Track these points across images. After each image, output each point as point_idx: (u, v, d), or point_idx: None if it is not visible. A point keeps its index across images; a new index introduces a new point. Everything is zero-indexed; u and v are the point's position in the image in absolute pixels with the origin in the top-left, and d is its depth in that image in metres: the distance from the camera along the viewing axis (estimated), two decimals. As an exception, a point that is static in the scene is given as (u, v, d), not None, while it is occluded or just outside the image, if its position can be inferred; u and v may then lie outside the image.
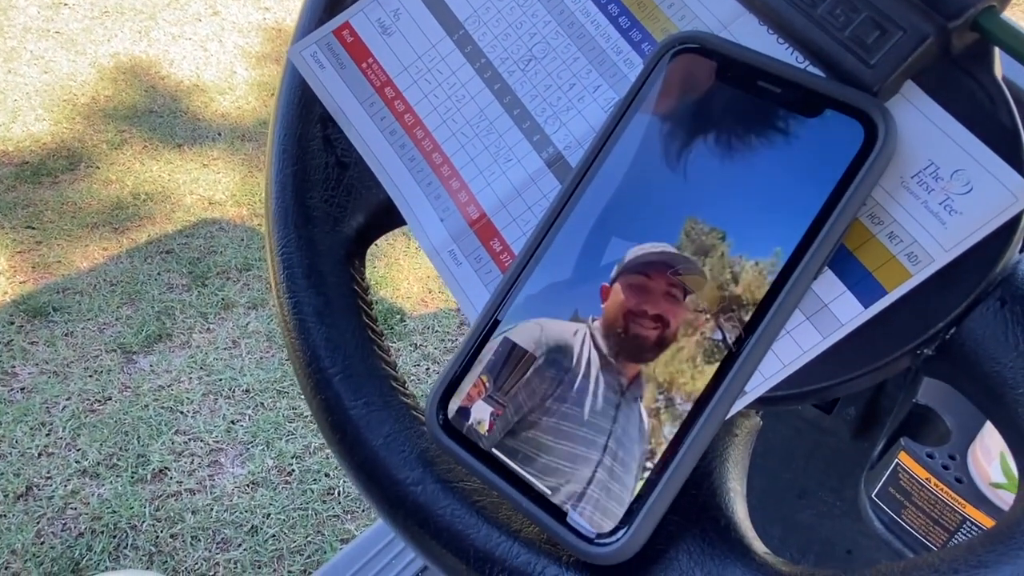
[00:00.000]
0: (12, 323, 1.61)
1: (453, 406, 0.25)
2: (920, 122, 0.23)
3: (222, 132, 2.22)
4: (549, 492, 0.23)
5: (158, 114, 2.25)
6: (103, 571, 1.19)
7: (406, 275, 1.78)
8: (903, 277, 0.22)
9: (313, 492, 1.33)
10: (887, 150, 0.22)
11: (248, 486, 1.34)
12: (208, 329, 1.62)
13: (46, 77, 2.37)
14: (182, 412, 1.45)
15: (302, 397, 1.51)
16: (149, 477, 1.35)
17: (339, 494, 1.34)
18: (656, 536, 0.22)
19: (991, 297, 0.22)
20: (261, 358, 1.57)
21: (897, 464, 0.48)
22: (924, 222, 0.22)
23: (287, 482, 1.35)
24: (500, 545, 0.24)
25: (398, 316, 1.68)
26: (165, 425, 1.43)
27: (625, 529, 0.22)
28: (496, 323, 0.25)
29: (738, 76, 0.24)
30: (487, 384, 0.25)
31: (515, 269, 0.26)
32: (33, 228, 1.83)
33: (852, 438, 0.53)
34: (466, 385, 0.25)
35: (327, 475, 1.36)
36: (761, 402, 0.24)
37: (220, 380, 1.52)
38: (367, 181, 0.30)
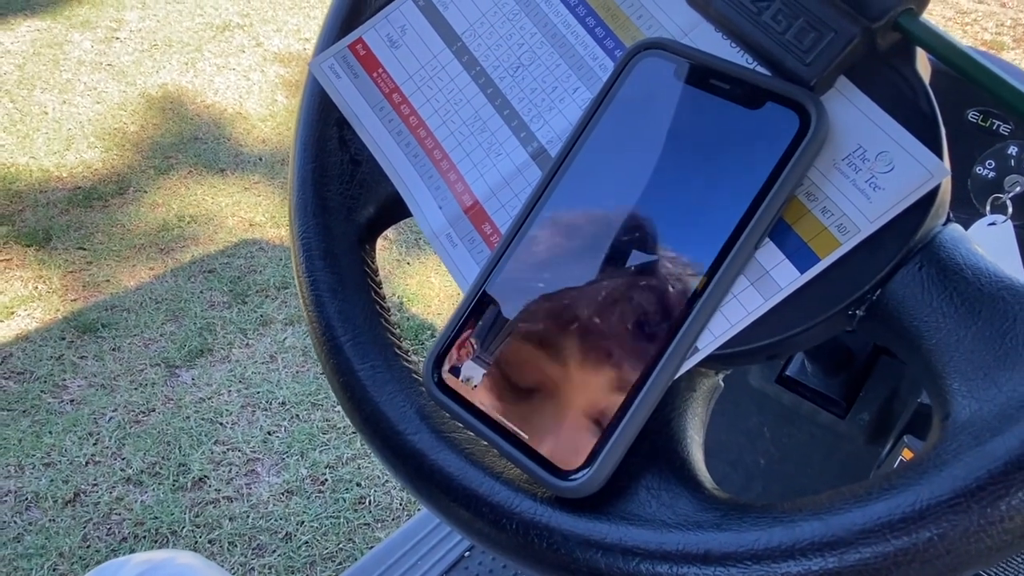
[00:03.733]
0: (63, 339, 1.69)
1: (446, 366, 0.29)
2: (850, 111, 0.26)
3: (263, 157, 2.31)
4: (527, 437, 0.27)
5: (203, 141, 2.36)
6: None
7: (437, 292, 1.83)
8: (834, 246, 0.25)
9: (345, 501, 1.37)
10: (819, 136, 0.25)
11: (283, 495, 1.39)
12: (247, 344, 1.68)
13: (98, 107, 2.50)
14: (221, 423, 1.51)
15: (336, 409, 1.56)
16: (189, 485, 1.41)
17: (370, 503, 1.38)
18: (619, 473, 0.25)
19: (911, 262, 0.24)
20: (297, 372, 1.62)
21: (901, 461, 0.50)
22: (852, 198, 0.25)
23: (320, 491, 1.39)
24: (484, 484, 0.27)
25: (429, 332, 1.72)
26: (205, 436, 1.49)
27: (589, 467, 0.25)
28: (484, 294, 0.29)
29: (694, 75, 0.28)
30: (475, 346, 0.28)
31: (500, 247, 0.29)
32: (84, 249, 1.93)
33: (866, 443, 0.54)
34: (457, 348, 0.29)
35: (358, 485, 1.40)
36: (716, 360, 0.27)
37: (258, 393, 1.57)
38: (377, 177, 0.34)
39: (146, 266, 1.88)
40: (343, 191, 0.34)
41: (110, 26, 3.03)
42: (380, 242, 2.03)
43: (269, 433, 1.49)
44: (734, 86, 0.27)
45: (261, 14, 3.20)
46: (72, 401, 1.57)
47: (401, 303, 1.79)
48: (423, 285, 1.85)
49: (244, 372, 1.61)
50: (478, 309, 0.29)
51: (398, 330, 0.32)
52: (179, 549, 0.58)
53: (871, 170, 0.25)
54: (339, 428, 1.49)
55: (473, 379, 0.28)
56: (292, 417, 1.52)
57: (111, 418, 1.53)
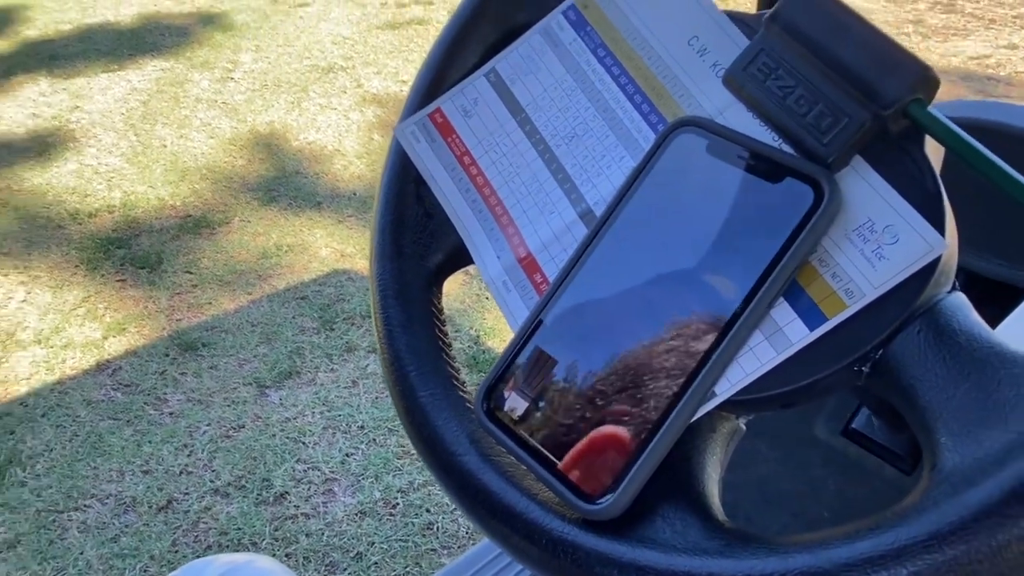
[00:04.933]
0: (167, 355, 1.83)
1: (494, 398, 0.33)
2: (862, 186, 0.29)
3: (357, 192, 2.44)
4: (559, 464, 0.30)
5: (303, 175, 2.51)
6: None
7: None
8: (841, 308, 0.28)
9: (414, 526, 1.42)
10: (830, 210, 0.28)
11: (357, 515, 1.45)
12: (332, 369, 1.77)
13: (211, 142, 2.71)
14: (304, 443, 1.60)
15: (410, 436, 1.62)
16: (271, 500, 1.49)
17: (438, 530, 1.42)
18: (639, 500, 0.29)
19: (912, 326, 0.27)
20: (377, 398, 1.69)
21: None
22: (859, 265, 0.28)
23: (391, 514, 1.45)
24: (520, 503, 0.31)
25: (503, 366, 1.77)
26: (288, 454, 1.57)
27: (612, 494, 0.28)
28: (530, 336, 0.33)
29: (724, 150, 0.31)
30: (520, 381, 0.32)
31: (546, 296, 0.33)
32: (191, 273, 2.08)
33: None
34: (505, 381, 0.33)
35: (428, 511, 1.44)
36: (734, 405, 0.30)
37: (339, 416, 1.65)
38: (446, 228, 0.38)
39: (245, 291, 2.02)
40: (416, 239, 0.39)
41: (226, 67, 3.28)
42: (461, 278, 2.10)
43: (347, 455, 1.56)
44: (759, 161, 0.30)
45: (363, 57, 3.39)
46: (171, 414, 1.69)
47: (478, 336, 1.85)
48: (499, 320, 1.90)
49: (328, 395, 1.70)
50: (524, 349, 0.33)
51: (468, 345, 0.37)
52: (254, 553, 0.64)
53: (878, 241, 0.28)
54: (413, 455, 1.55)
55: (516, 410, 0.32)
56: (369, 441, 1.59)
57: (205, 432, 1.64)
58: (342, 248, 2.17)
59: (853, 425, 0.56)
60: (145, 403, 1.70)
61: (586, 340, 0.32)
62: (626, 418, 0.29)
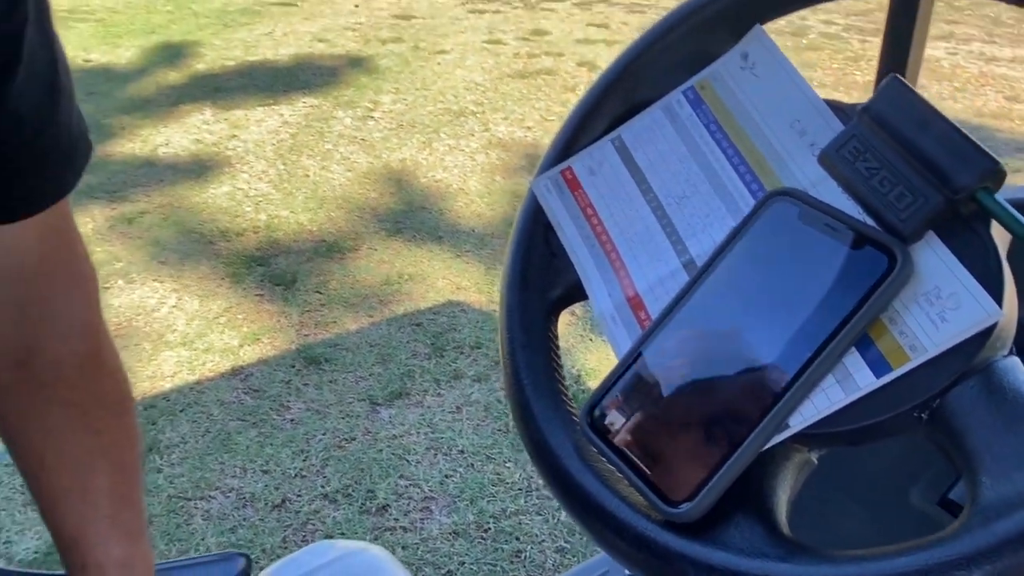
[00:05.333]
0: (293, 367, 1.99)
1: (597, 413, 0.39)
2: (932, 258, 0.33)
3: (475, 229, 2.56)
4: (649, 472, 0.36)
5: (428, 211, 2.67)
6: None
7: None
8: (905, 360, 0.32)
9: (503, 551, 1.47)
10: (901, 277, 0.33)
11: (450, 535, 1.52)
12: (439, 394, 1.87)
13: (349, 174, 2.93)
14: (407, 460, 1.69)
15: (506, 465, 1.67)
16: (373, 510, 1.58)
17: (525, 558, 1.46)
18: (715, 509, 0.34)
19: (967, 381, 0.31)
20: (478, 425, 1.77)
21: None
22: (924, 325, 0.32)
23: (483, 538, 1.51)
24: (613, 504, 0.36)
25: (602, 409, 1.81)
26: (392, 469, 1.67)
27: (691, 501, 0.34)
28: (631, 364, 0.39)
29: (814, 219, 0.36)
30: (620, 400, 0.38)
31: (648, 331, 0.39)
32: (320, 293, 2.26)
33: None
34: (607, 400, 0.39)
35: (517, 539, 1.49)
36: (805, 438, 0.34)
37: (442, 439, 1.74)
38: (567, 267, 0.45)
39: (366, 313, 2.16)
40: (540, 275, 0.45)
41: (367, 106, 3.54)
42: (568, 318, 2.15)
43: (446, 476, 1.64)
44: (843, 230, 0.35)
45: (493, 103, 3.57)
46: (292, 420, 1.83)
47: (579, 376, 1.90)
48: (601, 362, 1.95)
49: (433, 418, 1.79)
50: (626, 374, 0.39)
51: (568, 382, 0.43)
52: (366, 542, 0.72)
53: (942, 306, 0.32)
54: (508, 483, 1.61)
55: (615, 424, 0.38)
56: (468, 465, 1.67)
57: (320, 440, 1.76)
58: (458, 281, 2.29)
59: (950, 495, 0.57)
60: (270, 408, 1.86)
61: (680, 370, 0.37)
62: (709, 439, 0.35)
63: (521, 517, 1.53)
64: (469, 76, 3.94)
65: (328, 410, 1.84)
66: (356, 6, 5.42)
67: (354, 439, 1.76)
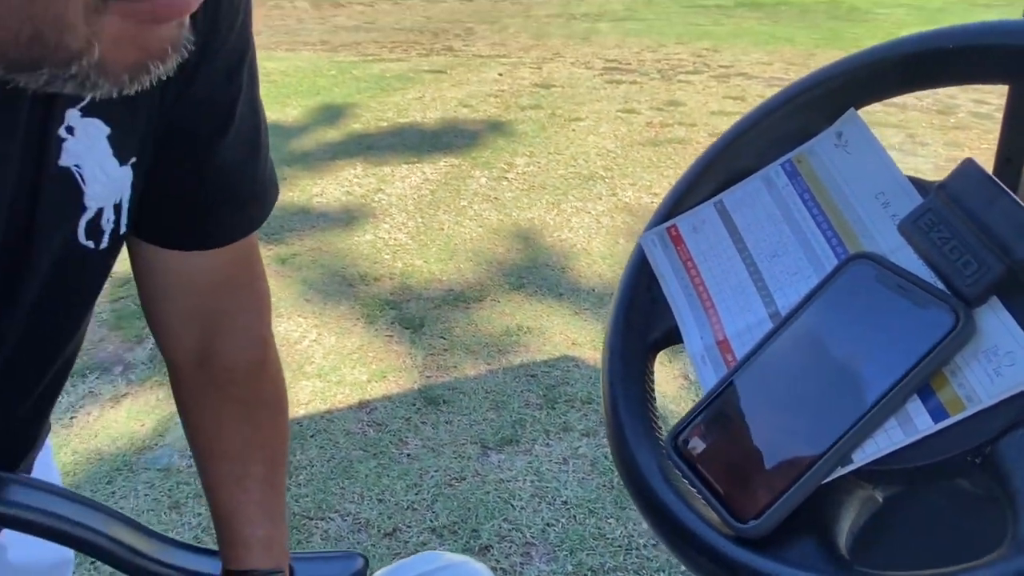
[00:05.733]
0: (414, 405, 2.10)
1: (681, 438, 0.44)
2: (993, 320, 0.37)
3: (595, 289, 2.63)
4: (723, 492, 0.40)
5: (551, 268, 2.77)
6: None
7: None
8: (961, 408, 0.36)
9: (599, 606, 1.48)
10: (963, 336, 0.37)
11: (548, 583, 1.55)
12: (547, 444, 1.92)
13: (480, 230, 3.09)
14: (512, 505, 1.74)
15: (608, 521, 1.69)
16: (476, 549, 1.64)
17: (621, 616, 1.47)
18: (780, 528, 0.38)
19: (1018, 430, 0.34)
20: (583, 478, 1.80)
21: None
22: (981, 379, 0.36)
23: (580, 590, 1.52)
24: (690, 518, 0.41)
25: (711, 476, 1.79)
26: (498, 512, 1.73)
27: (759, 519, 0.38)
28: (714, 399, 0.44)
29: (889, 280, 0.41)
30: (702, 429, 0.43)
31: (733, 370, 0.44)
32: (444, 339, 2.39)
33: None
34: (691, 427, 0.44)
35: (614, 595, 1.50)
36: (867, 475, 0.38)
37: (547, 488, 1.78)
38: (665, 312, 0.51)
39: (485, 361, 2.26)
40: (642, 319, 0.52)
41: (503, 168, 3.73)
42: (661, 367, 2.15)
43: (548, 524, 1.68)
44: (915, 291, 0.40)
45: (622, 169, 3.67)
46: (408, 455, 1.94)
47: (666, 419, 1.89)
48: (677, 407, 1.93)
49: (540, 466, 1.84)
50: (709, 407, 0.44)
51: (659, 413, 0.49)
52: (468, 557, 0.78)
53: (999, 362, 0.36)
54: (608, 538, 1.62)
55: (697, 448, 0.43)
56: (570, 517, 1.70)
57: (432, 476, 1.85)
58: (574, 337, 2.36)
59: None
60: (390, 442, 1.97)
61: (757, 405, 0.42)
62: (779, 466, 0.39)
63: (619, 574, 1.54)
64: (601, 143, 4.07)
65: (442, 449, 1.94)
66: (500, 75, 5.75)
67: (464, 479, 1.84)
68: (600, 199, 3.37)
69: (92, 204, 0.42)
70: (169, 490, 1.83)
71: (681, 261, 0.52)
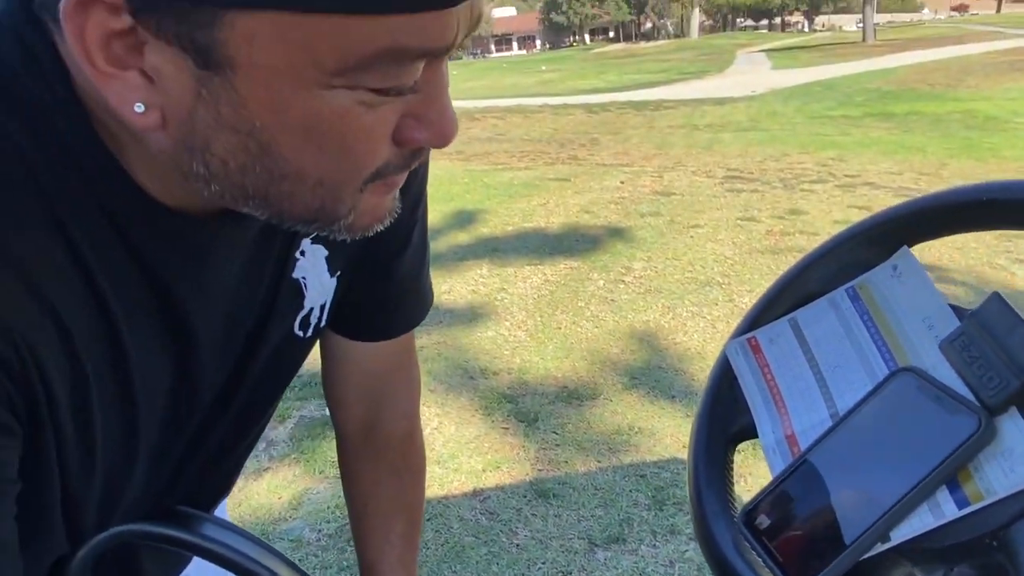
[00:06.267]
0: (525, 496, 2.19)
1: (752, 515, 0.53)
2: (1011, 426, 0.45)
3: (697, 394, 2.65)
4: (783, 561, 0.49)
5: (664, 370, 2.82)
6: None
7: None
8: (981, 498, 0.43)
9: None
10: (984, 438, 0.45)
11: None
12: (654, 545, 1.94)
13: (596, 331, 3.20)
14: (617, 603, 1.76)
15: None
16: (580, 644, 1.67)
17: None
18: (825, 592, 0.46)
19: (1026, 519, 0.41)
20: (689, 583, 1.80)
21: None
22: (998, 475, 0.43)
23: None
24: (754, 580, 0.50)
25: None
26: (602, 609, 1.75)
27: (811, 584, 0.46)
28: (780, 483, 0.53)
29: (928, 390, 0.49)
30: (769, 508, 0.52)
31: (798, 459, 0.53)
32: (556, 434, 2.47)
33: None
34: (761, 506, 0.53)
35: None
36: (902, 553, 0.46)
37: (652, 589, 1.79)
38: (743, 409, 0.60)
39: (595, 458, 2.32)
40: (724, 414, 0.61)
41: (620, 271, 3.86)
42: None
43: (653, 627, 1.69)
44: (948, 400, 0.48)
45: (739, 276, 3.70)
46: (517, 545, 2.01)
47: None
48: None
49: (646, 567, 1.86)
50: (776, 489, 0.53)
51: (735, 493, 0.58)
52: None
53: (1014, 461, 0.43)
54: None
55: (763, 524, 0.52)
56: (675, 621, 1.70)
57: (539, 568, 1.91)
58: (685, 440, 2.37)
59: None
60: (501, 531, 2.06)
61: (815, 488, 0.51)
62: (828, 539, 0.48)
63: None
64: (719, 250, 4.14)
65: (550, 542, 1.99)
66: (622, 182, 5.98)
67: (570, 574, 1.88)
68: (716, 304, 3.41)
69: (308, 304, 0.58)
70: (299, 560, 1.98)
71: (759, 367, 0.62)
